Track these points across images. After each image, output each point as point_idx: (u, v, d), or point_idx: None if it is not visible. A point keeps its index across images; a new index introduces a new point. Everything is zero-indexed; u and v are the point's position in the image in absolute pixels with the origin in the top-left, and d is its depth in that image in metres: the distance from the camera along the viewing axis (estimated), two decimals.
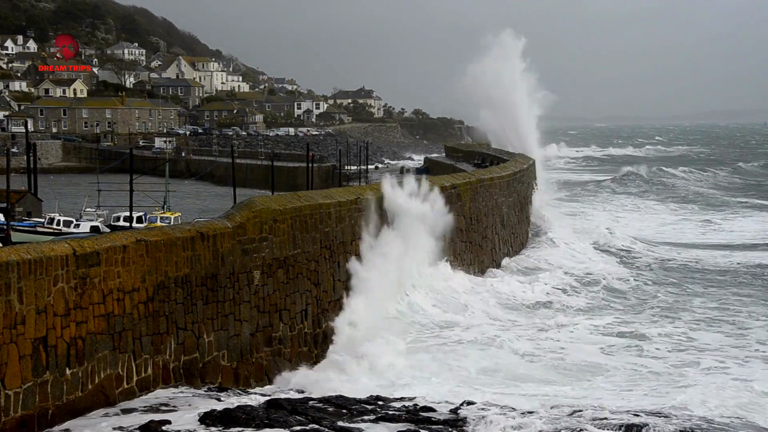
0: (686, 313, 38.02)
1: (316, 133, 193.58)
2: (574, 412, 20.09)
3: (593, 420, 19.32)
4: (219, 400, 20.68)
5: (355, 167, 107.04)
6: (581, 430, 18.65)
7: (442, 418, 19.40)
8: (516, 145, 71.58)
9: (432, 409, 20.11)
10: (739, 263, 51.20)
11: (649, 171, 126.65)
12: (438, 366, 27.40)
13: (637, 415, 19.82)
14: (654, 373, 27.91)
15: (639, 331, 33.40)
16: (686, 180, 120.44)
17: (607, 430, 18.60)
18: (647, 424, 18.88)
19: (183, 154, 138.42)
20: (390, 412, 19.54)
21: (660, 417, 19.71)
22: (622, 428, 18.68)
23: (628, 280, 45.88)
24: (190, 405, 19.93)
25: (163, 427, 17.95)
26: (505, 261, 47.45)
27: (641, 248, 57.15)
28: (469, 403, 20.92)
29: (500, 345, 30.36)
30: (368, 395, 21.70)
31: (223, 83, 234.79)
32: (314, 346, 27.68)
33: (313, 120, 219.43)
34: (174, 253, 21.71)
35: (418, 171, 71.06)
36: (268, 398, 20.42)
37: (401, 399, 21.35)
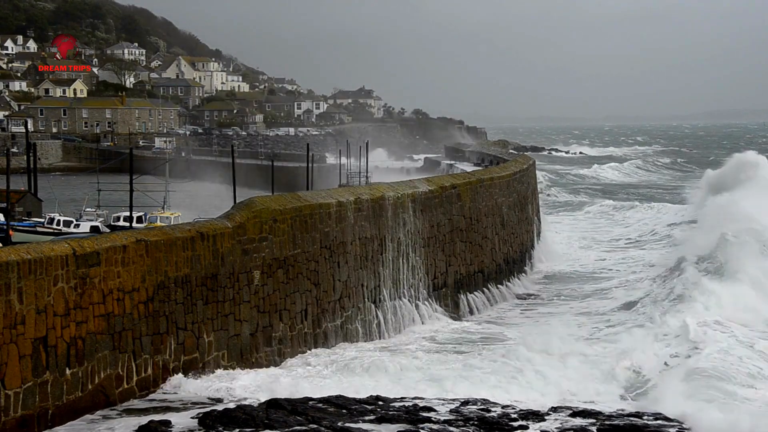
0: None
1: (316, 133, 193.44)
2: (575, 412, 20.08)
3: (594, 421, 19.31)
4: (219, 400, 20.68)
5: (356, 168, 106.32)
6: (584, 430, 18.65)
7: (442, 418, 19.36)
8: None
9: (432, 409, 20.07)
10: None
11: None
12: None
13: (639, 417, 19.83)
14: None
15: None
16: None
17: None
18: (649, 426, 18.89)
19: (183, 154, 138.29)
20: (390, 412, 19.50)
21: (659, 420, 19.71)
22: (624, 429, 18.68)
23: None
24: (190, 405, 19.92)
25: (163, 428, 17.94)
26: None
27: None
28: (469, 402, 20.89)
29: None
30: (368, 395, 21.67)
31: (223, 83, 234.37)
32: (314, 346, 27.62)
33: (313, 120, 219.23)
34: (174, 253, 21.70)
35: None
36: (267, 398, 20.40)
37: (401, 399, 21.31)
